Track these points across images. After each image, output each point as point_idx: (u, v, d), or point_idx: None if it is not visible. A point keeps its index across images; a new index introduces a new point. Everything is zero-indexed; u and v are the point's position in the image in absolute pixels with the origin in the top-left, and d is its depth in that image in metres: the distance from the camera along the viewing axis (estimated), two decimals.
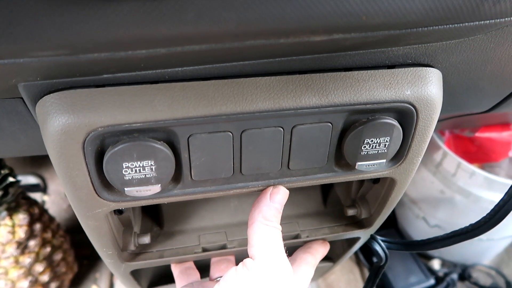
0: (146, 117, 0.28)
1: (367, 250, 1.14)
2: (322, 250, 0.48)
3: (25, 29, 0.20)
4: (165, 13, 0.20)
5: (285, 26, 0.22)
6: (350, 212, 0.49)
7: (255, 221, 0.35)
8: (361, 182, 0.47)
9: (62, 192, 1.31)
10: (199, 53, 0.25)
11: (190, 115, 0.29)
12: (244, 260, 0.34)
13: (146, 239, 0.44)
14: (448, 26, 0.25)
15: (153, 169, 0.30)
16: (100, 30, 0.21)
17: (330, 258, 0.62)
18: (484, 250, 1.12)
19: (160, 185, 0.31)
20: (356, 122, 0.33)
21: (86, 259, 1.10)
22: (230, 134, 0.31)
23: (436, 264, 1.17)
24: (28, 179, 1.30)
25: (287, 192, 0.37)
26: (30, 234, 0.83)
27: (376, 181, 0.45)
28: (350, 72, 0.31)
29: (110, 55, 0.23)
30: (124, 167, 0.29)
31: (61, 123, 0.27)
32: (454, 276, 1.11)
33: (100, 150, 0.30)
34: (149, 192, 0.32)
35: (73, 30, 0.20)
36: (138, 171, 0.30)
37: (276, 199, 0.36)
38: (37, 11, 0.19)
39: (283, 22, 0.22)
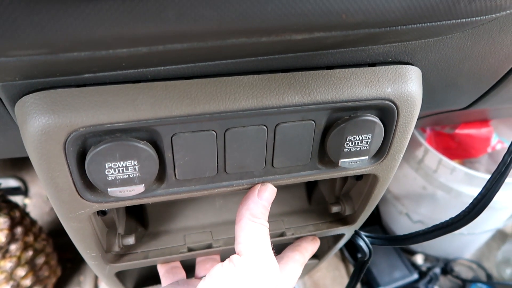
0: (129, 117, 0.28)
1: (352, 247, 1.15)
2: (311, 248, 0.48)
3: (1, 28, 0.19)
4: (145, 11, 0.20)
5: (266, 25, 0.23)
6: (334, 209, 0.49)
7: (242, 218, 0.35)
8: (345, 179, 0.48)
9: (44, 195, 1.28)
10: (181, 52, 0.25)
11: (173, 114, 0.28)
12: (231, 256, 0.34)
13: (130, 240, 0.43)
14: (426, 24, 0.26)
15: (137, 169, 0.30)
16: (79, 28, 0.20)
17: (316, 255, 0.63)
18: (465, 244, 1.15)
19: (143, 185, 0.31)
20: (338, 119, 0.33)
21: (70, 262, 1.08)
22: (214, 133, 0.31)
23: (419, 259, 1.20)
24: (9, 182, 1.27)
25: (275, 189, 0.37)
26: (11, 238, 0.81)
27: (359, 178, 0.45)
28: (332, 70, 0.32)
29: (90, 54, 0.23)
30: (106, 167, 0.29)
31: (41, 124, 0.27)
32: (437, 270, 1.14)
33: (82, 151, 0.29)
34: (133, 193, 0.31)
35: (52, 28, 0.20)
36: (121, 171, 0.30)
37: (264, 197, 0.36)
38: (14, 9, 0.19)
39: (264, 20, 0.22)
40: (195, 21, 0.21)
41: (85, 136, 0.28)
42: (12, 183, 1.27)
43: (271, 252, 0.35)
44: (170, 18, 0.21)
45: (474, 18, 0.26)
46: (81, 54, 0.23)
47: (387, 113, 0.34)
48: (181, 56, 0.27)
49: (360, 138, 0.34)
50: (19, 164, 1.31)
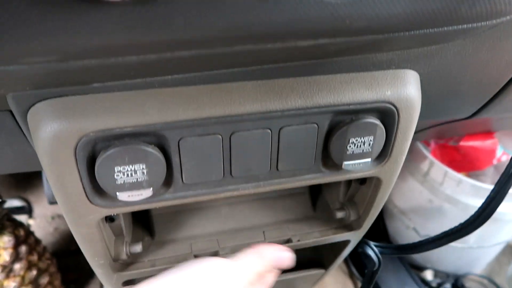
0: (137, 121, 0.29)
1: (359, 263, 1.14)
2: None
3: (15, 35, 0.20)
4: (154, 19, 0.21)
5: (272, 31, 0.23)
6: (339, 214, 0.49)
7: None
8: (349, 184, 0.48)
9: (48, 216, 1.28)
10: (188, 59, 0.25)
11: (180, 119, 0.29)
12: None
13: (138, 248, 0.44)
14: (428, 30, 0.26)
15: (145, 173, 0.30)
16: (90, 35, 0.21)
17: (322, 264, 0.62)
18: (475, 259, 1.13)
19: (151, 188, 0.32)
20: (340, 122, 0.34)
21: (73, 284, 1.06)
22: (220, 136, 0.31)
23: (429, 275, 1.17)
24: (13, 203, 1.27)
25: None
26: (16, 257, 0.80)
27: (363, 182, 0.46)
28: (333, 75, 0.33)
29: (100, 62, 0.24)
30: (116, 171, 0.30)
31: (53, 129, 0.27)
32: (447, 286, 1.11)
33: (91, 156, 0.30)
34: (141, 197, 0.32)
35: (65, 35, 0.21)
36: (129, 175, 0.30)
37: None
38: (28, 16, 0.20)
39: (270, 26, 0.23)
40: (203, 28, 0.22)
41: (95, 140, 0.29)
42: (16, 203, 1.27)
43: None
44: (178, 26, 0.22)
45: (475, 24, 0.27)
46: (91, 62, 0.23)
47: (387, 116, 0.35)
48: (188, 64, 0.27)
49: (363, 140, 0.35)
50: (24, 185, 1.31)
